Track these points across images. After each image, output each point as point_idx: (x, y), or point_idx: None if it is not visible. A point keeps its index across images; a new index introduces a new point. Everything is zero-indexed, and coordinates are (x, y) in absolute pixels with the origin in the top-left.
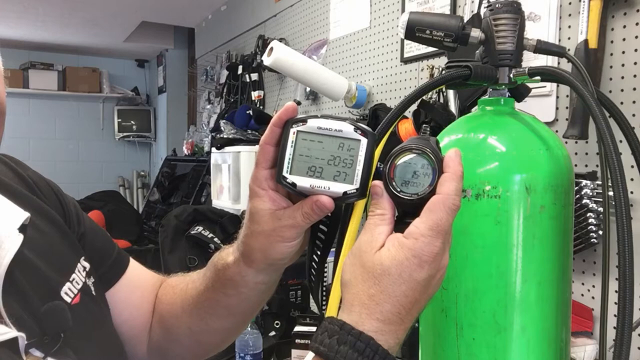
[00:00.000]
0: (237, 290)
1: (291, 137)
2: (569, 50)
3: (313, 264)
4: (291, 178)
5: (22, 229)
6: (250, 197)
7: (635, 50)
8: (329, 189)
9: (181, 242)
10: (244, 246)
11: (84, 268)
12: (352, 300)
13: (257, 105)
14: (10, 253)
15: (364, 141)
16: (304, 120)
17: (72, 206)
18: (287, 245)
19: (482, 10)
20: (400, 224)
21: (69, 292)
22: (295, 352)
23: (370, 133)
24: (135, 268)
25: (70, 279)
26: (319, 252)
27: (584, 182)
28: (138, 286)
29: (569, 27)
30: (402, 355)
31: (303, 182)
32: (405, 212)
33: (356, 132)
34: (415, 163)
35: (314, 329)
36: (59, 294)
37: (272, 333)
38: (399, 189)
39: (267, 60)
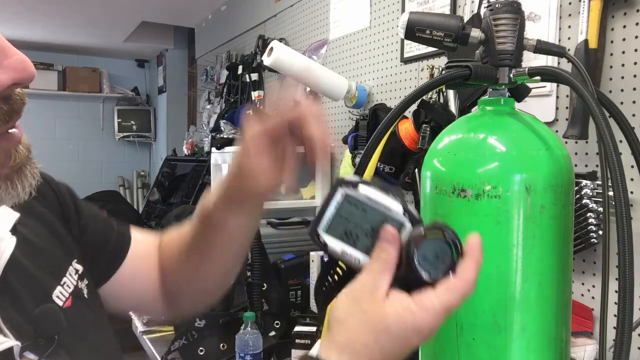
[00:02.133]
0: (222, 233)
1: (338, 197)
2: (569, 50)
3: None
4: (324, 237)
5: (14, 230)
6: (241, 151)
7: (635, 50)
8: (358, 262)
9: None
10: (227, 192)
11: (76, 271)
12: (345, 344)
13: (257, 105)
14: (5, 255)
15: (408, 226)
16: (355, 185)
17: (68, 196)
18: (269, 194)
19: (482, 10)
20: (403, 284)
21: (60, 295)
22: (295, 352)
23: (417, 221)
24: (137, 241)
25: (62, 283)
26: (326, 288)
27: (584, 182)
28: (143, 257)
29: (569, 27)
30: None
31: (335, 245)
32: (410, 277)
33: (405, 215)
34: (442, 248)
35: (314, 329)
36: (50, 297)
37: (272, 333)
38: (418, 260)
39: (267, 60)
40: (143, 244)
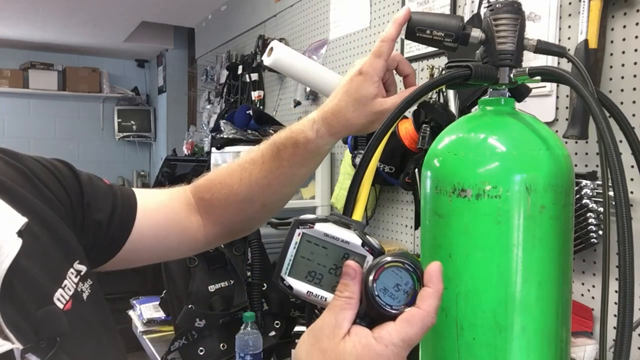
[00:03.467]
0: (314, 159)
1: (295, 237)
2: (569, 50)
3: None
4: (289, 280)
5: (20, 233)
6: (364, 79)
7: (635, 50)
8: (325, 300)
9: None
10: (332, 118)
11: (78, 272)
12: None
13: (257, 105)
14: (10, 258)
15: (369, 258)
16: (312, 223)
17: (70, 177)
18: (373, 120)
19: (482, 10)
20: (366, 318)
21: (61, 298)
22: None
23: (377, 250)
24: (144, 198)
25: (62, 285)
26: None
27: (584, 182)
28: (157, 209)
29: (569, 27)
30: None
31: (300, 286)
32: (372, 310)
33: (363, 247)
34: (401, 278)
35: None
36: (52, 300)
37: (272, 333)
38: (376, 293)
39: (267, 60)
40: (152, 196)
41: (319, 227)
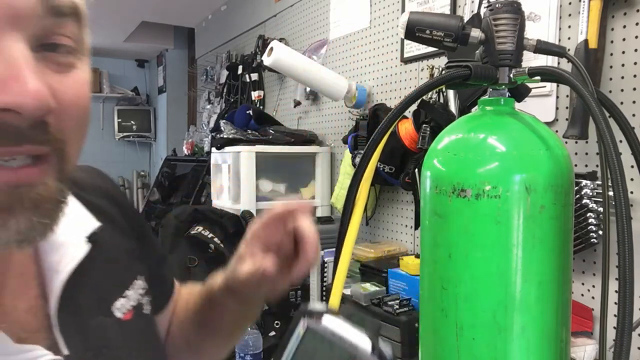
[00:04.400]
0: (223, 313)
1: (300, 328)
2: (569, 50)
3: None
4: None
5: (91, 238)
6: (239, 259)
7: (635, 50)
8: None
9: (181, 242)
10: (227, 281)
11: (141, 286)
12: None
13: (257, 105)
14: (74, 262)
15: None
16: (319, 315)
17: (148, 233)
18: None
19: (482, 10)
20: None
21: (121, 307)
22: None
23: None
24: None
25: (125, 295)
26: None
27: (584, 182)
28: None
29: (569, 27)
30: (402, 355)
31: None
32: None
33: (373, 353)
34: None
35: None
36: (110, 309)
37: (272, 333)
38: None
39: (267, 60)
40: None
41: (328, 322)
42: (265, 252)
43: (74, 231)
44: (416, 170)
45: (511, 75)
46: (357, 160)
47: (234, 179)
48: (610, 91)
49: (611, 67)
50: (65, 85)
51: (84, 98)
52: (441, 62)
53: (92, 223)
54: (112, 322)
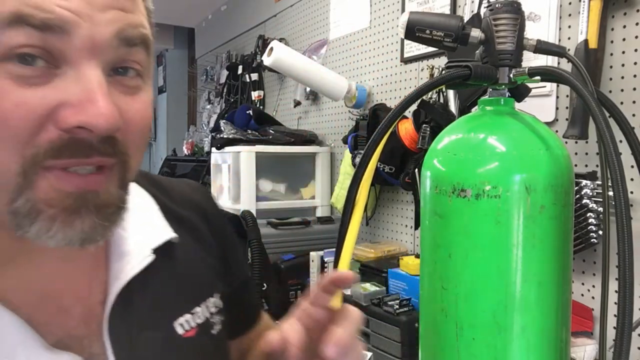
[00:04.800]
0: None
1: None
2: (569, 50)
3: None
4: None
5: (162, 249)
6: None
7: (635, 50)
8: None
9: None
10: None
11: (215, 304)
12: None
13: (257, 105)
14: (134, 271)
15: None
16: None
17: (237, 255)
18: None
19: (482, 10)
20: None
21: (184, 323)
22: None
23: None
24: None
25: (193, 311)
26: None
27: (584, 182)
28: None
29: (569, 27)
30: (402, 355)
31: None
32: None
33: None
34: None
35: None
36: (171, 323)
37: None
38: None
39: (267, 60)
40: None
41: None
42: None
43: (143, 241)
44: (416, 170)
45: (511, 75)
46: (357, 160)
47: (234, 179)
48: (610, 91)
49: (611, 67)
50: (132, 106)
51: (147, 118)
52: (441, 62)
53: (166, 234)
54: (169, 337)
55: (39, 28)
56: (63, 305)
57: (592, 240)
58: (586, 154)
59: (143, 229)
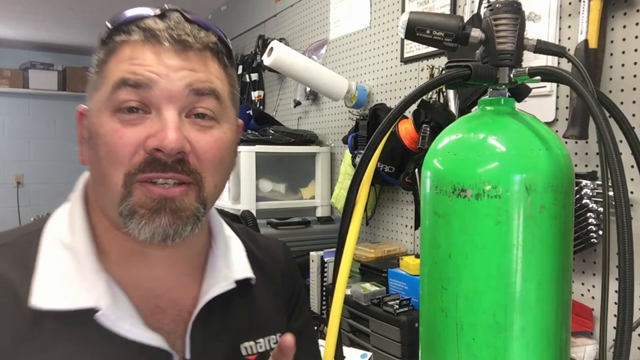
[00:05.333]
0: None
1: None
2: (569, 50)
3: None
4: None
5: (242, 283)
6: None
7: (635, 50)
8: None
9: None
10: None
11: (276, 342)
12: None
13: (257, 105)
14: (218, 291)
15: None
16: None
17: (303, 312)
18: None
19: (482, 10)
20: None
21: (248, 348)
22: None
23: None
24: None
25: (257, 341)
26: None
27: (584, 182)
28: None
29: (569, 27)
30: (402, 355)
31: None
32: None
33: None
34: None
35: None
36: (238, 344)
37: None
38: None
39: (267, 60)
40: None
41: None
42: None
43: (229, 273)
44: (416, 170)
45: (511, 75)
46: (357, 160)
47: (234, 179)
48: (610, 91)
49: (611, 67)
50: (202, 139)
51: (216, 149)
52: (441, 62)
53: (247, 273)
54: (234, 353)
55: (134, 86)
56: (160, 305)
57: (592, 240)
58: (586, 154)
59: (231, 265)
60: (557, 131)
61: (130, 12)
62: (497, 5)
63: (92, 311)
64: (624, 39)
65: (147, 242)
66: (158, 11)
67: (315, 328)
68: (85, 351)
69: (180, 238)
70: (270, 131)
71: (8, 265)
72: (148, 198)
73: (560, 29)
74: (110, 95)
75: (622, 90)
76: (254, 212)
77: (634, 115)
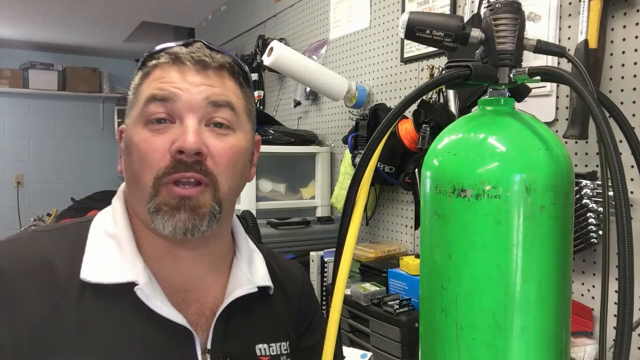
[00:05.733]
0: None
1: None
2: (569, 50)
3: None
4: None
5: (262, 290)
6: None
7: (635, 50)
8: None
9: None
10: None
11: (285, 348)
12: None
13: (257, 105)
14: (241, 293)
15: None
16: None
17: (314, 328)
18: None
19: (482, 10)
20: None
21: (262, 349)
22: None
23: None
24: None
25: (270, 344)
26: None
27: (584, 182)
28: None
29: (569, 27)
30: (402, 355)
31: None
32: None
33: None
34: None
35: None
36: (253, 344)
37: None
38: None
39: (267, 60)
40: None
41: None
42: None
43: (251, 279)
44: (416, 170)
45: (511, 75)
46: (357, 160)
47: None
48: (610, 91)
49: (611, 67)
50: (218, 144)
51: (230, 153)
52: (441, 62)
53: (267, 282)
54: (250, 352)
55: (162, 100)
56: (185, 299)
57: (592, 240)
58: (586, 154)
59: (254, 273)
60: (557, 131)
61: (161, 45)
62: (497, 5)
63: (130, 285)
64: (624, 39)
65: (171, 237)
66: (182, 42)
67: None
68: (119, 319)
69: (199, 233)
70: (270, 131)
71: (56, 246)
72: (171, 197)
73: (560, 29)
74: (142, 109)
75: (622, 90)
76: (254, 212)
77: (634, 115)
